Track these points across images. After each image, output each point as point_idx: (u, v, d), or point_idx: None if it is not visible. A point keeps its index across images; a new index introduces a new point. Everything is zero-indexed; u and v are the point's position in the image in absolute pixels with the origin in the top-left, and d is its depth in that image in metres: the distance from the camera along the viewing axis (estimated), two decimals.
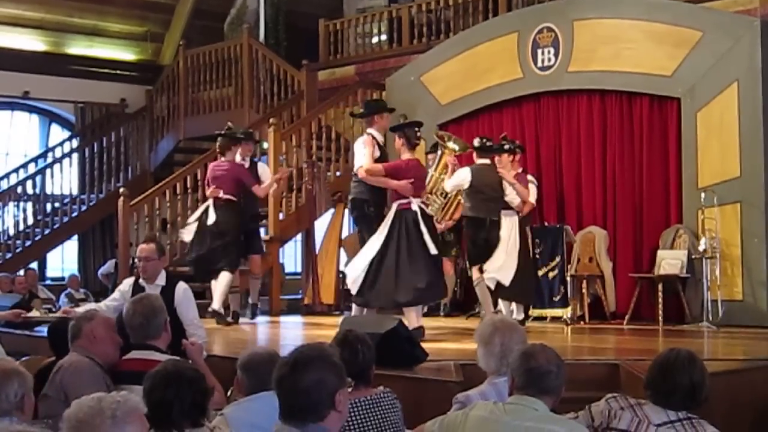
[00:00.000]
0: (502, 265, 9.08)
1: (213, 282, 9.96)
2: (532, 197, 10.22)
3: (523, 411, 3.68)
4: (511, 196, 9.37)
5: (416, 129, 8.83)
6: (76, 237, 16.15)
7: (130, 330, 5.09)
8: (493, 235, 9.18)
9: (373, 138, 8.85)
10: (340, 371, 3.16)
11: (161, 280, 6.84)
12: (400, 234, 8.35)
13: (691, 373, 4.06)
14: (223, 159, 10.28)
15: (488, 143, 9.46)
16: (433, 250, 8.33)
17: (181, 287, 6.75)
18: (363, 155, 8.71)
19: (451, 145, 9.66)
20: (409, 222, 8.38)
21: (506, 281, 9.01)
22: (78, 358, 4.87)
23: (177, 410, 3.63)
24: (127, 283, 7.04)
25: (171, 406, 3.62)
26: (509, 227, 9.26)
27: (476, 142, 9.44)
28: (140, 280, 6.87)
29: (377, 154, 8.79)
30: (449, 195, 9.96)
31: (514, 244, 9.21)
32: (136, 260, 7.24)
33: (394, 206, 8.51)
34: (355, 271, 8.52)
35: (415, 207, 8.41)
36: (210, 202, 10.11)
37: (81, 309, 6.91)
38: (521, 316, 9.03)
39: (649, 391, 4.11)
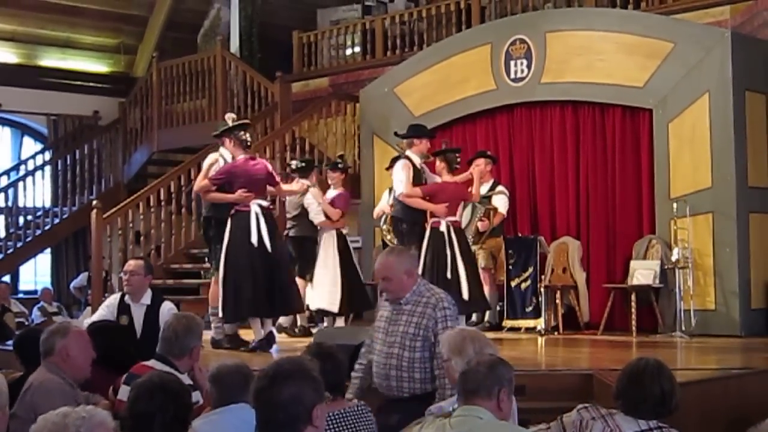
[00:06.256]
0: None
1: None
2: (503, 208, 10.33)
3: (466, 421, 3.66)
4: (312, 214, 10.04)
5: (456, 154, 9.54)
6: (49, 250, 16.06)
7: (160, 340, 5.09)
8: None
9: (410, 160, 9.32)
10: (319, 386, 3.14)
11: (146, 299, 6.88)
12: (434, 251, 9.02)
13: (660, 381, 4.09)
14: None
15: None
16: (459, 266, 8.93)
17: (167, 306, 6.79)
18: (401, 180, 9.26)
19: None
20: (438, 240, 9.04)
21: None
22: (48, 377, 4.77)
23: (158, 422, 3.60)
24: (114, 298, 7.06)
25: (153, 417, 3.60)
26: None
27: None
28: (126, 298, 6.88)
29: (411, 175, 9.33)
30: None
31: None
32: (122, 274, 7.22)
33: (428, 225, 9.19)
34: None
35: (443, 227, 9.05)
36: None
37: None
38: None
39: (619, 401, 4.13)
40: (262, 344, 8.34)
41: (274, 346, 8.52)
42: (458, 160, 9.53)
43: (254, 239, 8.31)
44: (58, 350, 4.84)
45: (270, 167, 8.80)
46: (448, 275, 8.90)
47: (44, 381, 4.74)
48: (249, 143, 8.68)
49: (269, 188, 8.77)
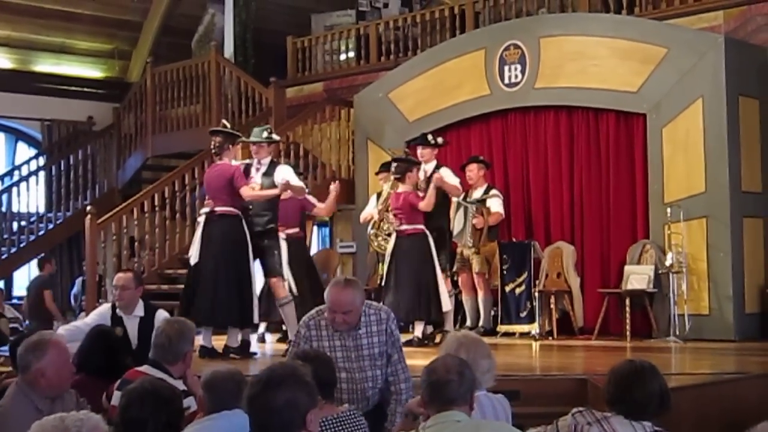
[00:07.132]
0: None
1: None
2: (499, 208, 10.33)
3: (446, 426, 3.63)
4: None
5: (394, 164, 9.66)
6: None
7: (153, 346, 5.07)
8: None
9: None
10: (312, 390, 3.14)
11: (139, 310, 6.77)
12: None
13: (659, 380, 4.10)
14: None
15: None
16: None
17: (161, 315, 6.69)
18: None
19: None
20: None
21: None
22: (11, 409, 4.47)
23: (151, 429, 3.59)
24: (105, 308, 6.94)
25: (145, 424, 3.59)
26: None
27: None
28: (117, 311, 6.76)
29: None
30: None
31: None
32: (113, 289, 7.14)
33: None
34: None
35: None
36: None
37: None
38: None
39: (617, 405, 4.10)
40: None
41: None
42: (396, 171, 9.49)
43: (191, 250, 8.35)
44: (33, 372, 4.54)
45: (231, 171, 8.35)
46: (382, 282, 9.39)
47: (7, 411, 4.47)
48: (214, 150, 8.58)
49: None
